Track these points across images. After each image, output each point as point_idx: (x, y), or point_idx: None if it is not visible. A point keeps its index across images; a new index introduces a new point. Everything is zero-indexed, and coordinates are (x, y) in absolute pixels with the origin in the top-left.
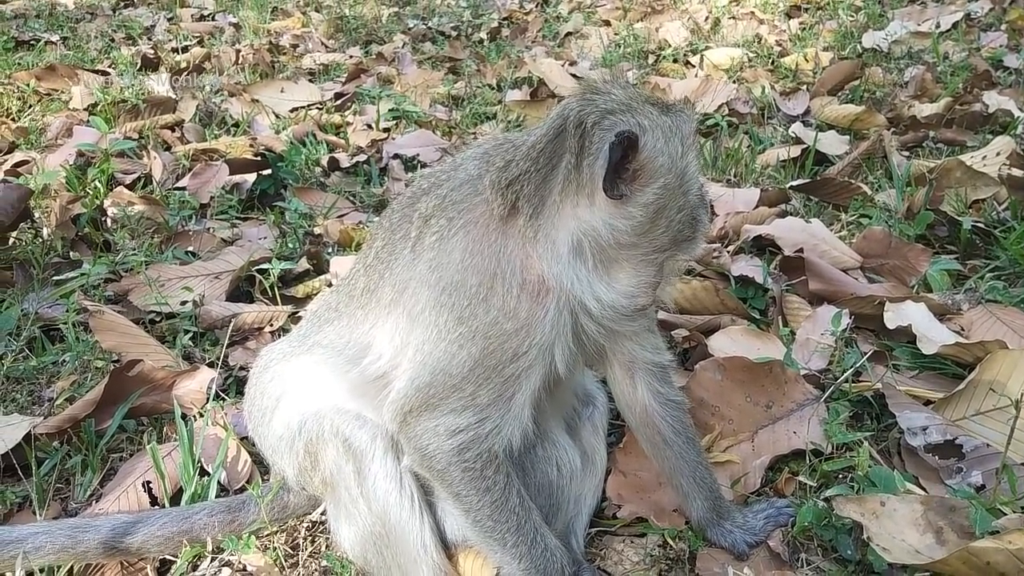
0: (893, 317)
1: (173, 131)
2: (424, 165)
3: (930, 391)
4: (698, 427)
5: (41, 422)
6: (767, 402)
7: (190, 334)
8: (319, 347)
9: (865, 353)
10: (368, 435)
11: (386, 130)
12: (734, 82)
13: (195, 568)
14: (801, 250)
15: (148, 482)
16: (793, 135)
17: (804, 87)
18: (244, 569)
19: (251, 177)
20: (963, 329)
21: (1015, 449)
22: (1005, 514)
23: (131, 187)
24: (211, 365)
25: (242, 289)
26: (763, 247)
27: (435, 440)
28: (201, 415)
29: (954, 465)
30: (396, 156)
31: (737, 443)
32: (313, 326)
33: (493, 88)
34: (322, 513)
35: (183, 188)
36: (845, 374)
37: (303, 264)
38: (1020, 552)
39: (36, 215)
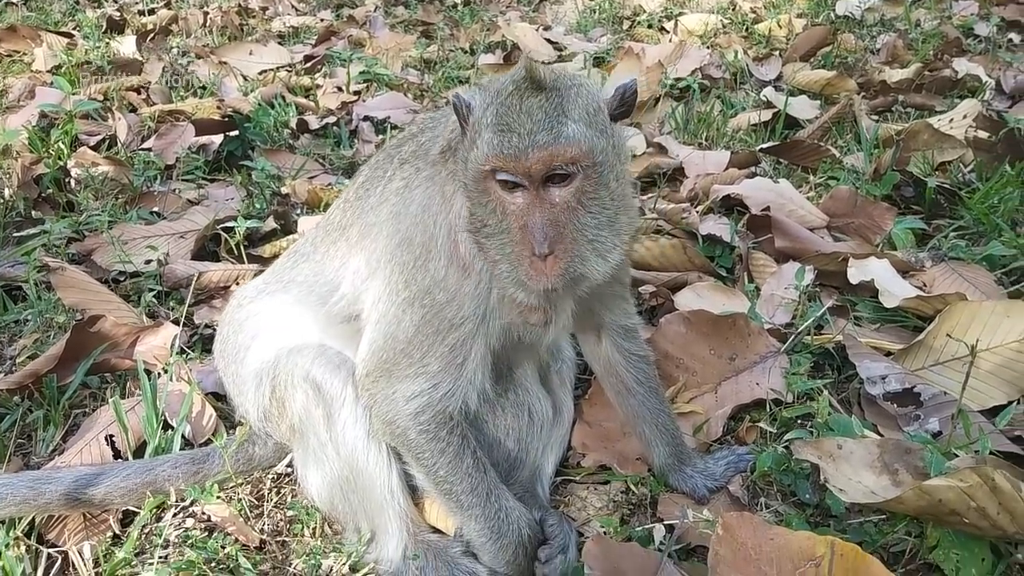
0: (856, 272)
1: (139, 93)
2: (396, 127)
3: (890, 343)
4: (663, 379)
5: (2, 378)
6: (731, 354)
7: (154, 292)
8: (294, 284)
9: (828, 307)
10: (340, 381)
11: (356, 93)
12: (708, 47)
13: (159, 519)
14: (768, 209)
15: (111, 436)
16: (764, 99)
17: (777, 53)
18: (208, 519)
19: (218, 138)
20: (925, 285)
21: (970, 396)
22: (959, 456)
23: (96, 148)
24: (176, 323)
25: (208, 249)
26: (731, 207)
27: (393, 406)
28: (165, 371)
29: (912, 413)
30: (366, 118)
31: (701, 394)
32: (290, 261)
33: (466, 52)
34: (288, 465)
35: (148, 149)
36: (805, 325)
37: (270, 223)
38: (971, 490)
39: None
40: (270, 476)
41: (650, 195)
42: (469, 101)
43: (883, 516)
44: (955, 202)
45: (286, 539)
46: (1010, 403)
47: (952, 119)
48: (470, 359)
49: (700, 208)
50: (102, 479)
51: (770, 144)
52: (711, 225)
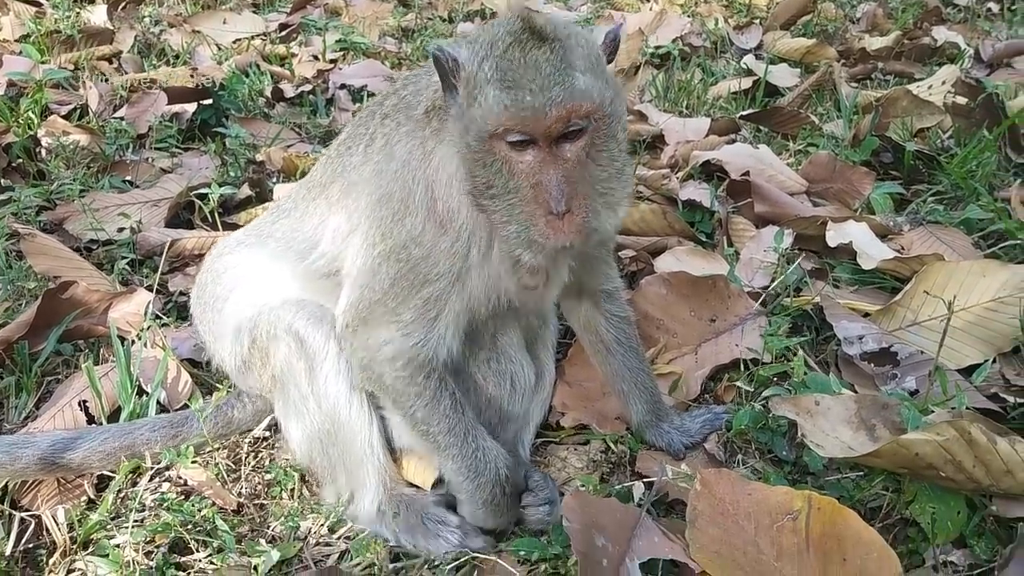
0: (835, 236)
1: (110, 63)
2: (372, 95)
3: (868, 304)
4: (644, 340)
5: None
6: (711, 316)
7: (128, 260)
8: (271, 239)
9: (806, 269)
10: (322, 335)
11: (333, 61)
12: (688, 16)
13: (134, 484)
14: (748, 174)
15: (84, 401)
16: (745, 67)
17: (757, 21)
18: (185, 484)
19: (192, 107)
20: (903, 248)
21: (947, 355)
22: (935, 412)
23: (67, 118)
24: (149, 290)
25: (182, 217)
26: (711, 173)
27: (368, 352)
28: (139, 338)
29: (889, 372)
30: (343, 86)
31: (681, 355)
32: (271, 216)
33: (445, 20)
34: (265, 428)
35: (121, 118)
36: (780, 283)
37: (245, 191)
38: (947, 443)
39: None
40: (247, 440)
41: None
42: (455, 55)
43: (860, 472)
44: (933, 167)
45: (264, 502)
46: (985, 361)
47: (931, 85)
48: (443, 315)
49: (680, 174)
50: (80, 443)
51: (750, 111)
52: (691, 191)
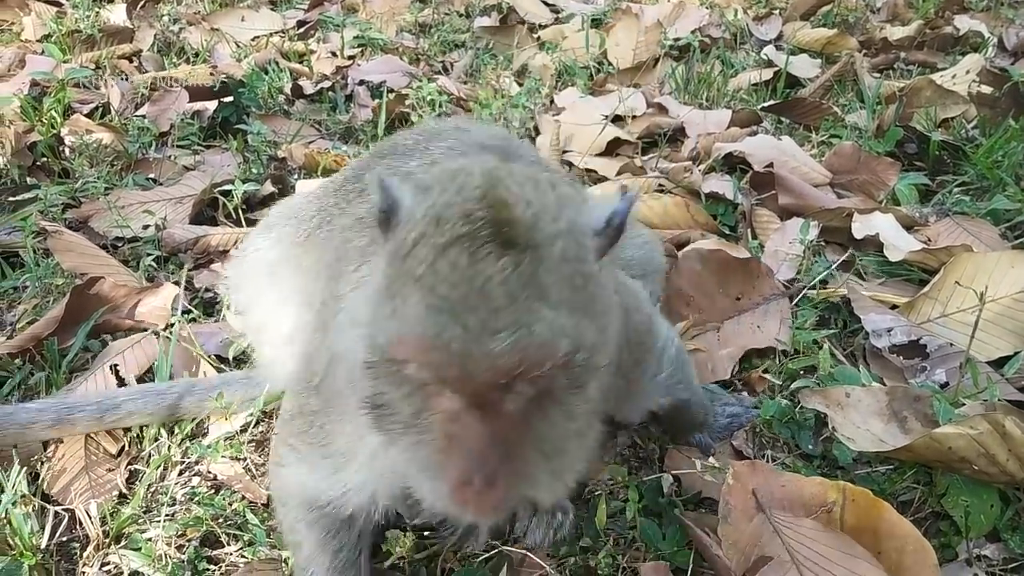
0: (861, 227)
1: (131, 61)
2: (392, 91)
3: (896, 296)
4: (672, 316)
5: (3, 343)
6: (737, 293)
7: (153, 257)
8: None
9: (832, 262)
10: None
11: (351, 57)
12: (707, 7)
13: (163, 479)
14: (771, 166)
15: (115, 365)
16: (765, 58)
17: (777, 12)
18: (215, 478)
19: (212, 104)
20: (929, 240)
21: (977, 347)
22: (966, 405)
23: (89, 116)
24: (176, 285)
25: (206, 214)
26: (734, 165)
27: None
28: (168, 337)
29: (918, 364)
30: (362, 82)
31: (704, 332)
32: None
33: (462, 15)
34: None
35: (143, 116)
36: (814, 280)
37: (268, 187)
38: (981, 437)
39: None
40: (275, 434)
41: (651, 155)
42: (396, 198)
43: (890, 466)
44: (959, 157)
45: None
46: (1017, 353)
47: (955, 75)
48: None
49: (702, 167)
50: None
51: (771, 103)
52: (714, 183)
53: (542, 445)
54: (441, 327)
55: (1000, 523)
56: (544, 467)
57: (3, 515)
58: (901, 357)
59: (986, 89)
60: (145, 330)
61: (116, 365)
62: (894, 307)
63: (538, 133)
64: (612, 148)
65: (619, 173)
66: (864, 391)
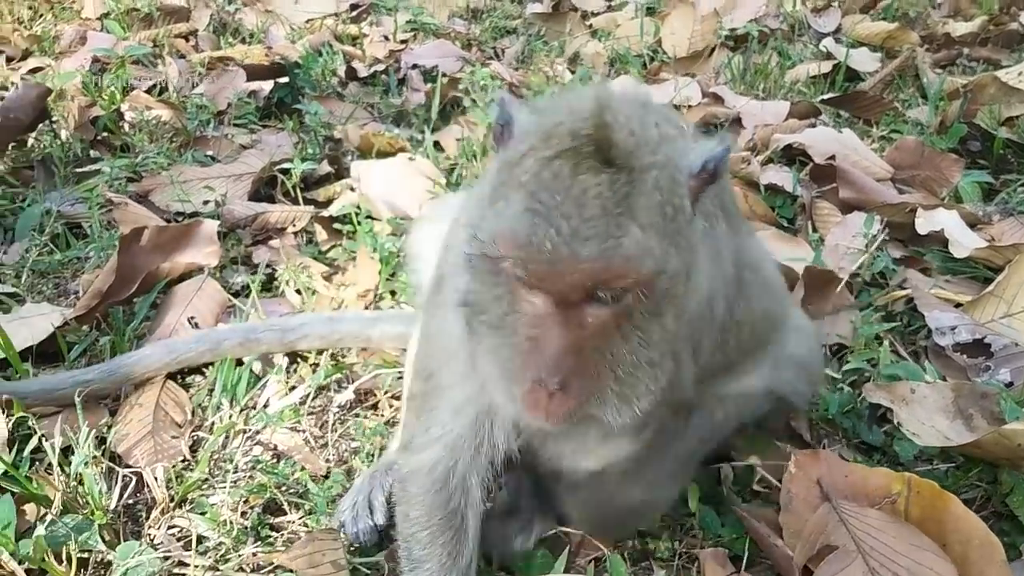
0: (925, 223)
1: (187, 40)
2: (445, 76)
3: (960, 294)
4: None
5: (70, 310)
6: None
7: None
8: None
9: (894, 257)
10: None
11: (403, 42)
12: None
13: (225, 447)
14: (832, 158)
15: (192, 318)
16: (824, 50)
17: (835, 4)
18: (275, 448)
19: (268, 85)
20: (993, 238)
21: None
22: None
23: (147, 93)
24: (234, 262)
25: (263, 192)
26: (792, 157)
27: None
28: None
29: (982, 364)
30: (415, 66)
31: None
32: None
33: (514, 1)
34: (353, 392)
35: (200, 94)
36: (877, 275)
37: (324, 167)
38: None
39: (54, 117)
40: (334, 407)
41: None
42: (510, 114)
43: (952, 464)
44: (1023, 156)
45: (351, 467)
46: None
47: (1020, 72)
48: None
49: (760, 158)
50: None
51: (830, 96)
52: (772, 175)
53: (616, 365)
54: (536, 228)
55: None
56: (615, 387)
57: (75, 475)
58: (965, 356)
59: None
60: (200, 271)
61: (192, 317)
62: (958, 305)
63: None
64: None
65: None
66: (929, 388)
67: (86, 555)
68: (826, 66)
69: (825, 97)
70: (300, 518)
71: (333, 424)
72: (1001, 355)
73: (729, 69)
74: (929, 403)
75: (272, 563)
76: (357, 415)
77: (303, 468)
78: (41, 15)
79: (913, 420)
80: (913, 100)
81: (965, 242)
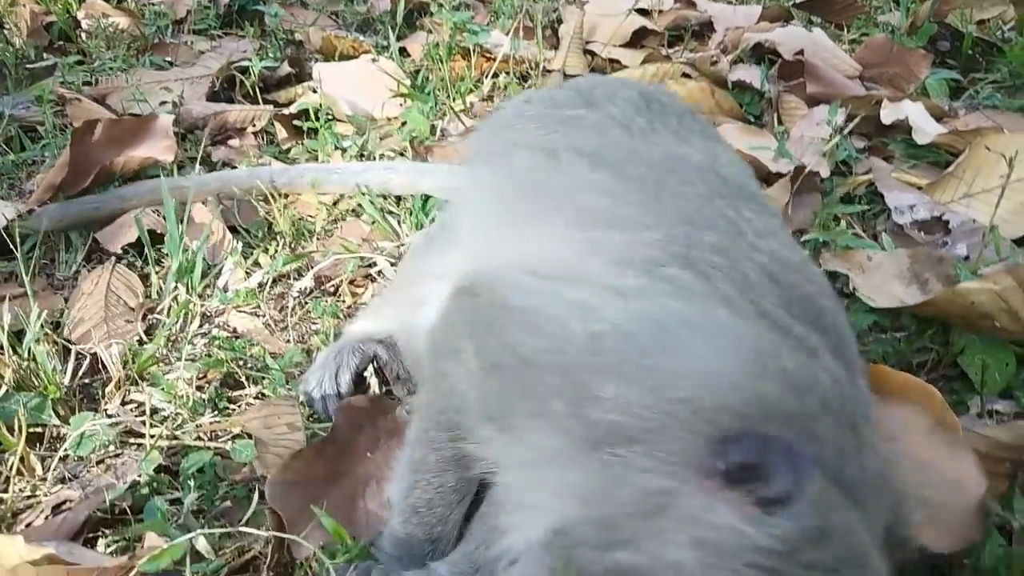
0: (889, 113)
1: None
2: None
3: (922, 177)
4: None
5: (24, 203)
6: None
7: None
8: None
9: (858, 147)
10: None
11: None
12: None
13: (182, 330)
14: (801, 53)
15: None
16: None
17: None
18: (234, 330)
19: None
20: (958, 130)
21: (1000, 225)
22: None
23: (106, 1)
24: (193, 160)
25: (223, 95)
26: (762, 56)
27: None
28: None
29: (940, 239)
30: None
31: None
32: None
33: None
34: (312, 278)
35: (159, 1)
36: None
37: (285, 68)
38: (1004, 292)
39: (6, 25)
40: (293, 292)
41: (677, 48)
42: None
43: (905, 333)
44: (992, 55)
45: (311, 347)
46: None
47: None
48: None
49: (730, 57)
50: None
51: (802, 0)
52: (741, 72)
53: None
54: None
55: (1015, 381)
56: None
57: (27, 354)
58: (923, 233)
59: None
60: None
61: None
62: (919, 188)
63: (561, 22)
64: (637, 39)
65: (643, 63)
66: (885, 255)
67: (40, 429)
68: None
69: (797, 1)
70: (259, 391)
71: (293, 308)
72: (959, 231)
73: None
74: (885, 270)
75: (229, 430)
76: (317, 298)
77: (262, 346)
78: None
79: (869, 286)
80: (885, 6)
81: (928, 129)
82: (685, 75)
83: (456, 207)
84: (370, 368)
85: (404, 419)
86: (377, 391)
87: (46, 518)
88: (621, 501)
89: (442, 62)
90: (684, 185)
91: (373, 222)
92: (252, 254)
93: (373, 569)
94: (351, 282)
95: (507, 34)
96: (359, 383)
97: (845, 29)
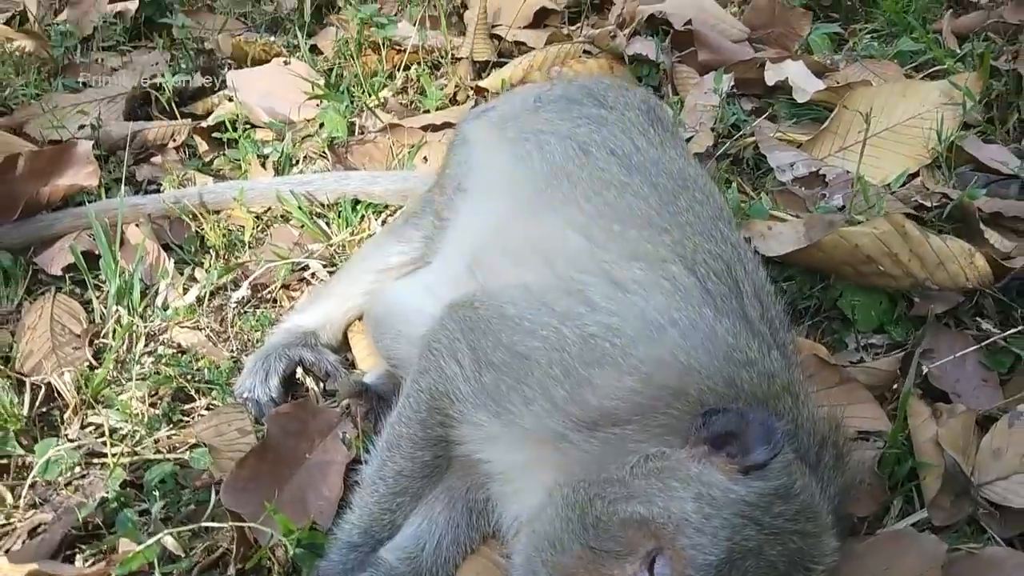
0: (772, 75)
1: None
2: None
3: (802, 134)
4: None
5: None
6: None
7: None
8: None
9: (746, 109)
10: None
11: None
12: None
13: (129, 351)
14: (690, 22)
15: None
16: None
17: None
18: (178, 346)
19: (133, 4)
20: (838, 83)
21: (871, 172)
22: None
23: (8, 25)
24: (118, 182)
25: (140, 112)
26: (657, 28)
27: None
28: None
29: (818, 193)
30: None
31: None
32: None
33: None
34: (248, 288)
35: (63, 21)
36: (736, 138)
37: (198, 80)
38: (884, 236)
39: None
40: (231, 304)
41: (578, 25)
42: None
43: (792, 281)
44: (870, 4)
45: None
46: (904, 172)
47: None
48: None
49: (627, 31)
50: None
51: None
52: (637, 46)
53: None
54: None
55: (887, 320)
56: None
57: None
58: (803, 188)
59: None
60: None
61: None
62: (799, 146)
63: (465, 9)
64: (540, 19)
65: (547, 44)
66: (784, 224)
67: (6, 461)
68: None
69: None
70: (208, 402)
71: (232, 319)
72: (835, 183)
73: None
74: (784, 237)
75: (185, 442)
76: (256, 307)
77: (207, 359)
78: None
79: (770, 249)
80: None
81: (807, 88)
82: (586, 51)
83: (443, 199)
84: (299, 370)
85: (343, 439)
86: (316, 389)
87: (23, 543)
88: (626, 465)
89: (354, 58)
90: (695, 203)
91: (302, 226)
92: (186, 270)
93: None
94: (285, 287)
95: (414, 24)
96: (291, 383)
97: None
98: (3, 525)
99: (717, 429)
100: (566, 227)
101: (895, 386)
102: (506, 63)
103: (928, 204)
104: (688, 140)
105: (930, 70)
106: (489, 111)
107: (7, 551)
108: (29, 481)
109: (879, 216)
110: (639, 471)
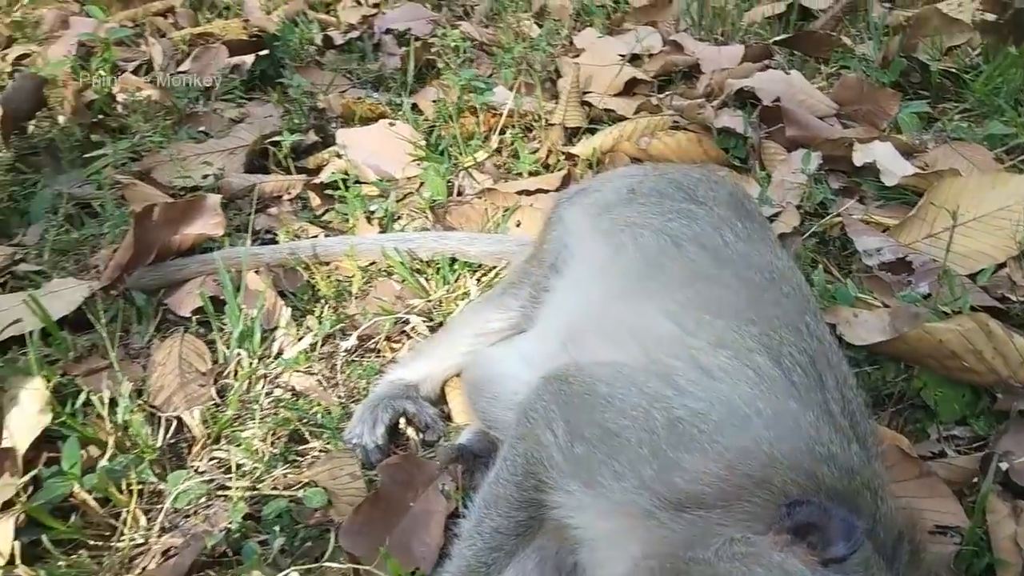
0: (861, 155)
1: (165, 17)
2: (418, 39)
3: (890, 218)
4: None
5: (96, 283)
6: None
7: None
8: None
9: (833, 188)
10: None
11: (375, 5)
12: None
13: (248, 391)
14: (779, 100)
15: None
16: None
17: None
18: (293, 389)
19: (250, 58)
20: (927, 165)
21: (959, 263)
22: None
23: (135, 73)
24: (237, 229)
25: (257, 163)
26: (745, 100)
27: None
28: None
29: (904, 279)
30: (388, 31)
31: None
32: None
33: None
34: (357, 338)
35: (185, 72)
36: (825, 219)
37: (311, 137)
38: (969, 333)
39: (51, 104)
40: (340, 352)
41: (667, 93)
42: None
43: (877, 366)
44: (960, 85)
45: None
46: (991, 265)
47: (960, 3)
48: None
49: (715, 103)
50: None
51: (783, 36)
52: (725, 119)
53: None
54: None
55: (970, 413)
56: None
57: (122, 422)
58: (889, 273)
59: (990, 16)
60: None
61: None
62: (886, 229)
63: (559, 76)
64: (630, 88)
65: (636, 112)
66: (870, 313)
67: (141, 486)
68: (780, 6)
69: (778, 38)
70: (321, 445)
71: (341, 367)
72: (921, 271)
73: (688, 15)
74: (870, 325)
75: (300, 481)
76: (362, 356)
77: (319, 404)
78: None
79: (856, 337)
80: (862, 36)
81: (895, 170)
82: (675, 124)
83: (540, 272)
84: (401, 421)
85: (442, 491)
86: (416, 438)
87: (158, 564)
88: (711, 547)
89: (452, 120)
90: (782, 296)
91: (403, 280)
92: (301, 318)
93: None
94: (388, 338)
95: (510, 88)
96: (394, 432)
97: (824, 64)
98: (139, 545)
99: (801, 519)
100: (658, 314)
101: (975, 480)
102: (596, 129)
103: (1014, 298)
104: (774, 217)
105: (1021, 156)
106: (584, 194)
107: (144, 569)
108: (166, 507)
109: (964, 312)
110: (724, 553)
